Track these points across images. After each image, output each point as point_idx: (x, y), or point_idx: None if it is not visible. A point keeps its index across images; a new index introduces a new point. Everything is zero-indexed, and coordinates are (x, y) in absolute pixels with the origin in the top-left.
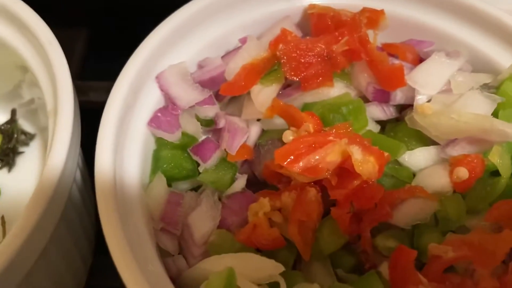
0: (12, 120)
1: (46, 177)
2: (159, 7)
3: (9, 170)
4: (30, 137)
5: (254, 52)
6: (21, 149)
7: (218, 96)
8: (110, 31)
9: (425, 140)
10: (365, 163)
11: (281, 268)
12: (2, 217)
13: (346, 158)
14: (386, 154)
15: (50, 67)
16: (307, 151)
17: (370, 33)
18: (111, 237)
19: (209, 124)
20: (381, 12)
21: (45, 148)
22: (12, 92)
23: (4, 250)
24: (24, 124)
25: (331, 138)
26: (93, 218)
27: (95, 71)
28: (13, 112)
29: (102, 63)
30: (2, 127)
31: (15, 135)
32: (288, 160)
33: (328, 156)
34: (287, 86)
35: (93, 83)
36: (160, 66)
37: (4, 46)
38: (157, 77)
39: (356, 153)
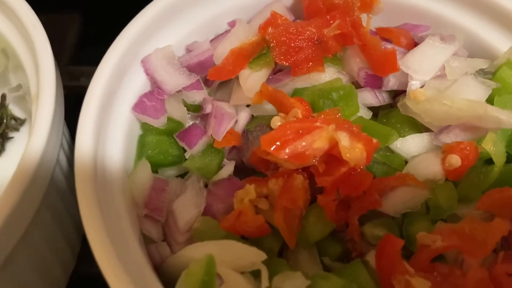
0: (2, 105)
1: (25, 160)
2: None
3: None
4: (20, 122)
5: (243, 36)
6: (11, 134)
7: (206, 81)
8: (104, 15)
9: (418, 127)
10: (352, 150)
11: (263, 256)
12: None
13: (334, 144)
14: (375, 140)
15: (34, 51)
16: (294, 137)
17: (364, 17)
18: (88, 224)
19: (196, 109)
20: None
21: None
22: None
23: None
24: (14, 109)
25: (318, 124)
26: None
27: (88, 56)
28: (3, 97)
29: (95, 48)
30: None
31: (5, 120)
32: (275, 146)
33: (315, 143)
34: (278, 71)
35: (85, 68)
36: (146, 49)
37: None
38: (142, 61)
39: (344, 140)
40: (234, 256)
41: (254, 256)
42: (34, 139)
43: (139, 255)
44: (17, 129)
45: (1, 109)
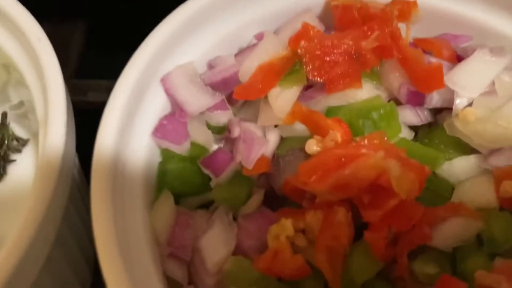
0: (3, 125)
1: (38, 196)
2: None
3: (0, 180)
4: (22, 143)
5: (271, 50)
6: (13, 156)
7: (230, 100)
8: (110, 23)
9: (463, 148)
10: (404, 180)
11: None
12: None
13: (381, 173)
14: (427, 168)
15: (40, 68)
16: (336, 166)
17: (401, 27)
18: (107, 267)
19: (220, 131)
20: (414, 3)
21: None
22: None
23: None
24: (15, 128)
25: (364, 151)
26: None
27: (94, 68)
28: (4, 116)
29: (101, 59)
30: None
31: (6, 142)
32: (315, 176)
33: (361, 172)
34: (309, 87)
35: (92, 82)
36: (165, 67)
37: None
38: (162, 80)
39: (394, 169)
40: None
41: None
42: (44, 176)
43: None
44: (19, 151)
45: (2, 129)
